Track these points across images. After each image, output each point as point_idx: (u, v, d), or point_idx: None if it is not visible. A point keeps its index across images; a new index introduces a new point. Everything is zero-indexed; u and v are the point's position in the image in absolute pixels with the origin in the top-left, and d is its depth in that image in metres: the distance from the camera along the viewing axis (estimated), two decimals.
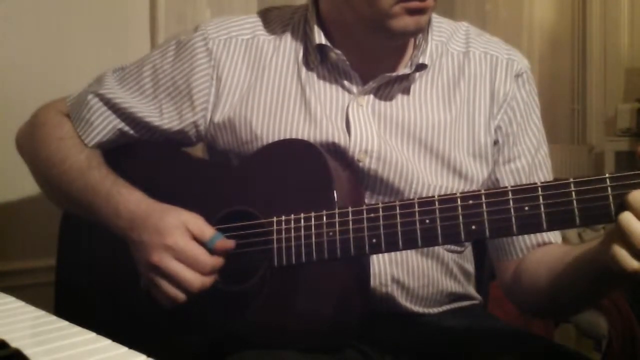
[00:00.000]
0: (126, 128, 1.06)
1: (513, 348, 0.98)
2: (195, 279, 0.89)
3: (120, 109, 1.05)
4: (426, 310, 1.04)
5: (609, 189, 0.73)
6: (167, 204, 0.95)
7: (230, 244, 0.92)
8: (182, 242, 0.90)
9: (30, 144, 1.10)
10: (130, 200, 0.96)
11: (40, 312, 0.76)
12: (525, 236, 1.02)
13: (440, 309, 1.05)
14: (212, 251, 0.90)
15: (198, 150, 1.21)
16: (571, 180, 0.74)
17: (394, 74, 1.00)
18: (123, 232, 0.95)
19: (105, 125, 1.06)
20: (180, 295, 0.90)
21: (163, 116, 1.05)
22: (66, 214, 1.14)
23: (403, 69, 1.01)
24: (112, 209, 0.96)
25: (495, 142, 1.04)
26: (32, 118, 1.12)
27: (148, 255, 0.90)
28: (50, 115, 1.10)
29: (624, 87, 3.66)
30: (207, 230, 0.91)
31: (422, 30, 0.99)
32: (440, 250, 1.03)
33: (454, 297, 1.07)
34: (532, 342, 1.01)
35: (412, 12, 0.92)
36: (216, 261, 0.90)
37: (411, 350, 0.98)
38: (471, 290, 1.11)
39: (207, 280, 0.90)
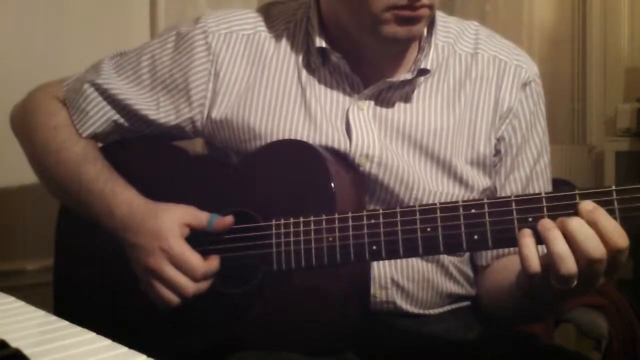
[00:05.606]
0: (121, 120, 1.06)
1: (513, 348, 0.98)
2: (189, 285, 0.90)
3: (116, 100, 1.05)
4: (426, 312, 1.03)
5: (615, 202, 0.72)
6: (161, 203, 0.95)
7: (228, 220, 0.92)
8: (177, 247, 0.90)
9: (25, 129, 1.08)
10: (123, 201, 0.96)
11: (40, 312, 0.76)
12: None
13: (440, 310, 1.05)
14: (213, 233, 0.92)
15: (197, 144, 1.21)
16: (577, 192, 0.73)
17: (395, 79, 0.98)
18: (117, 232, 0.96)
19: (100, 116, 1.05)
20: (175, 299, 0.90)
21: (160, 110, 1.04)
22: (62, 212, 1.13)
23: (405, 74, 0.99)
24: (105, 208, 0.97)
25: (497, 152, 1.03)
26: (27, 102, 1.10)
27: (145, 259, 0.91)
28: (45, 101, 1.08)
29: (624, 87, 3.65)
30: (202, 217, 0.93)
31: (416, 38, 0.97)
32: None
33: (454, 298, 1.07)
34: (532, 342, 1.00)
35: (403, 21, 0.90)
36: (209, 267, 0.91)
37: (411, 351, 0.98)
38: (471, 290, 1.11)
39: (201, 287, 0.91)
